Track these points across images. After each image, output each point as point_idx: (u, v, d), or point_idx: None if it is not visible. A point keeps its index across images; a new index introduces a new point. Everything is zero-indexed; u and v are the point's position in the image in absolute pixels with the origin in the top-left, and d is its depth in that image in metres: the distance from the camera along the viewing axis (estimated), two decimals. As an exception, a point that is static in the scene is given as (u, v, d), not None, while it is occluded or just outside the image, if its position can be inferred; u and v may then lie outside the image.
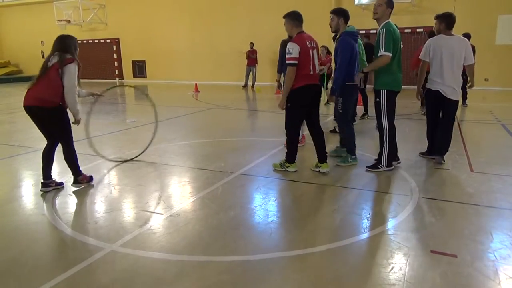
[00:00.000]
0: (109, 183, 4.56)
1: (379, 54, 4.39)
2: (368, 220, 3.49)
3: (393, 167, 4.78)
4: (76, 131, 4.30)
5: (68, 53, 4.03)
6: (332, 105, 5.24)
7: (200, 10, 18.21)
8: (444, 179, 4.60)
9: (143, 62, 20.73)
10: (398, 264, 2.71)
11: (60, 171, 4.81)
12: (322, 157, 4.74)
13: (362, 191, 4.18)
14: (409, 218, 3.44)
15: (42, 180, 4.21)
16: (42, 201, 3.97)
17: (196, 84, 15.12)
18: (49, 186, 4.20)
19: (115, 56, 20.53)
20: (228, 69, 17.89)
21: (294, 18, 4.55)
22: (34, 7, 22.17)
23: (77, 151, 4.29)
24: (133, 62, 20.94)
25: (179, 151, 5.96)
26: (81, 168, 4.35)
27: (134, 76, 21.04)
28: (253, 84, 15.92)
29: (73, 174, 4.30)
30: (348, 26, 4.92)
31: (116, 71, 20.66)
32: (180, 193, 4.21)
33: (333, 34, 5.16)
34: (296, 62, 4.37)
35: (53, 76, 3.96)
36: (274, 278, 2.60)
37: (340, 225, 3.36)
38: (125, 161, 5.25)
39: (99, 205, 3.91)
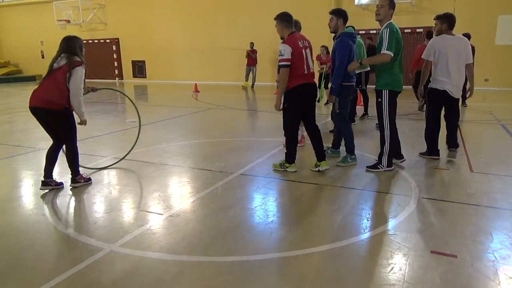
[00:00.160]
0: (109, 183, 4.56)
1: (381, 52, 4.39)
2: (368, 220, 3.49)
3: (393, 167, 4.78)
4: (77, 131, 4.29)
5: (75, 55, 4.03)
6: (331, 105, 5.25)
7: (200, 10, 18.21)
8: (444, 179, 4.60)
9: (143, 62, 20.72)
10: (398, 264, 2.71)
11: (60, 171, 4.80)
12: (320, 156, 4.75)
13: (362, 191, 4.18)
14: (409, 219, 3.44)
15: (42, 179, 4.20)
16: (42, 201, 3.96)
17: (196, 84, 15.12)
18: (49, 185, 4.20)
19: (114, 56, 20.54)
20: (228, 69, 17.89)
21: (283, 19, 4.56)
22: (34, 7, 22.17)
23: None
24: (133, 62, 20.93)
25: (179, 151, 5.96)
26: (80, 168, 4.35)
27: (134, 76, 21.04)
28: (253, 84, 15.93)
29: (72, 173, 4.30)
30: (347, 27, 4.94)
31: (116, 71, 20.67)
32: (180, 193, 4.20)
33: (333, 34, 5.17)
34: (289, 63, 4.39)
35: (60, 78, 3.96)
36: (274, 278, 2.60)
37: (340, 225, 3.36)
38: (102, 168, 5.04)
39: (99, 205, 3.90)
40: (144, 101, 13.22)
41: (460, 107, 5.52)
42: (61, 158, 4.35)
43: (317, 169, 4.73)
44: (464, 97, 9.09)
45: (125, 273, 2.66)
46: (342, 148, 5.33)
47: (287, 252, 2.91)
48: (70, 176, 4.32)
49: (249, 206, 3.84)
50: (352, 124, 7.28)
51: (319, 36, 11.08)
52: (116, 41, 20.75)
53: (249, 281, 2.56)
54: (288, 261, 2.80)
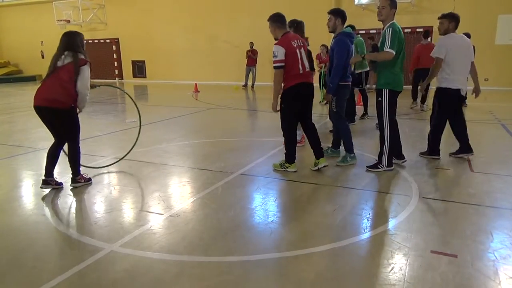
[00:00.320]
0: (109, 183, 4.56)
1: (384, 50, 4.40)
2: (368, 220, 3.48)
3: (393, 167, 4.78)
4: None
5: (78, 52, 3.98)
6: (329, 105, 5.26)
7: (200, 10, 18.21)
8: (445, 179, 4.60)
9: (143, 62, 20.72)
10: (398, 264, 2.71)
11: (60, 171, 4.80)
12: (318, 153, 4.76)
13: (362, 191, 4.18)
14: (409, 218, 3.44)
15: (43, 177, 4.19)
16: (42, 201, 3.96)
17: (196, 84, 15.12)
18: (49, 184, 4.18)
19: (114, 56, 20.54)
20: (228, 69, 17.89)
21: (276, 20, 4.57)
22: (34, 7, 22.17)
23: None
24: (133, 62, 20.93)
25: (179, 151, 5.96)
26: (81, 168, 4.35)
27: (134, 76, 21.04)
28: (252, 84, 15.93)
29: (72, 173, 4.29)
30: (346, 27, 4.96)
31: (116, 71, 20.68)
32: (180, 193, 4.20)
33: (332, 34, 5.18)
34: (282, 64, 4.41)
35: (65, 77, 3.92)
36: (274, 278, 2.60)
37: (340, 225, 3.35)
38: (105, 166, 5.07)
39: (99, 205, 3.90)
40: (144, 101, 13.22)
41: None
42: (62, 157, 4.34)
43: (316, 167, 4.74)
44: (464, 97, 9.12)
45: (126, 273, 2.66)
46: (342, 147, 5.32)
47: (287, 252, 2.90)
48: (71, 176, 4.32)
49: (249, 206, 3.84)
50: (352, 124, 7.34)
51: (319, 35, 11.05)
52: (116, 41, 20.75)
53: (249, 281, 2.56)
54: (288, 261, 2.80)
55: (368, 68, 7.95)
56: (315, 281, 2.54)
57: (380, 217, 3.54)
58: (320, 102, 10.43)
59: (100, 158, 5.33)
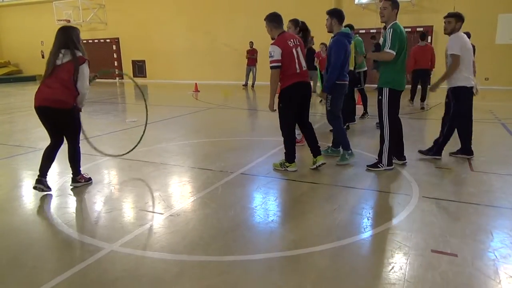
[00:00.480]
0: (109, 183, 4.56)
1: (384, 50, 4.42)
2: (368, 219, 3.48)
3: (393, 166, 4.78)
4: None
5: (76, 49, 3.92)
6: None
7: (200, 9, 18.20)
8: (445, 178, 4.60)
9: (143, 61, 20.74)
10: (398, 263, 2.71)
11: (60, 171, 4.81)
12: (315, 151, 4.77)
13: (363, 190, 4.18)
14: (409, 218, 3.44)
15: (37, 177, 4.07)
16: (43, 201, 3.96)
17: (196, 83, 15.12)
18: (43, 184, 4.06)
19: (115, 55, 20.56)
20: (228, 68, 17.89)
21: (272, 19, 4.58)
22: (34, 7, 22.17)
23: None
24: (133, 62, 20.94)
25: (179, 151, 5.96)
26: (81, 168, 4.35)
27: (134, 75, 21.02)
28: (253, 84, 15.93)
29: (73, 173, 4.29)
30: (345, 26, 4.99)
31: (116, 71, 20.67)
32: (180, 192, 4.20)
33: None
34: (279, 64, 4.43)
35: (65, 76, 3.86)
36: (274, 278, 2.60)
37: (340, 224, 3.35)
38: (119, 155, 5.17)
39: (99, 205, 3.90)
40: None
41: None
42: (63, 158, 4.34)
43: (314, 166, 4.74)
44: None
45: (126, 272, 2.66)
46: (342, 147, 5.32)
47: (288, 252, 2.90)
48: (71, 175, 4.32)
49: (249, 205, 3.84)
50: (352, 123, 7.34)
51: (319, 35, 11.05)
52: (116, 41, 20.76)
53: (249, 281, 2.56)
54: (289, 261, 2.80)
55: (366, 68, 7.97)
56: (316, 281, 2.54)
57: (380, 217, 3.54)
58: (320, 101, 10.44)
59: (100, 158, 5.33)
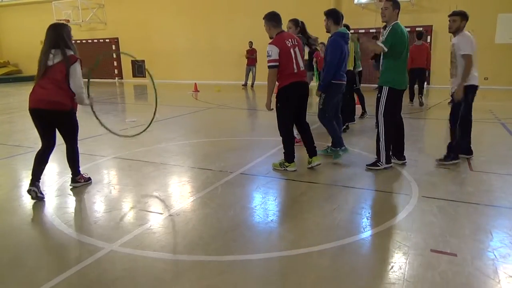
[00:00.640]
0: (109, 182, 4.56)
1: (377, 42, 4.47)
2: (368, 219, 3.49)
3: (392, 164, 4.79)
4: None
5: (67, 47, 3.85)
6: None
7: (200, 9, 18.19)
8: (444, 178, 4.60)
9: (143, 61, 20.70)
10: (398, 263, 2.71)
11: (60, 171, 4.81)
12: (311, 152, 4.78)
13: (362, 190, 4.18)
14: (409, 217, 3.44)
15: (31, 180, 3.94)
16: (42, 201, 3.95)
17: (195, 83, 15.11)
18: (37, 187, 3.93)
19: (114, 55, 20.50)
20: (228, 68, 17.88)
21: (270, 18, 4.59)
22: (33, 6, 22.13)
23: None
24: (133, 62, 20.90)
25: (178, 151, 5.96)
26: (80, 168, 4.35)
27: (134, 75, 21.02)
28: (252, 84, 15.94)
29: (72, 173, 4.29)
30: (341, 27, 5.01)
31: (116, 71, 20.66)
32: (180, 192, 4.20)
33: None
34: (276, 63, 4.43)
35: (59, 77, 3.81)
36: (274, 278, 2.60)
37: (340, 224, 3.36)
38: (132, 136, 5.02)
39: (98, 205, 3.90)
40: (144, 101, 13.20)
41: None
42: (63, 158, 4.34)
43: (310, 165, 4.75)
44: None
45: (125, 272, 2.66)
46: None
47: (287, 251, 2.91)
48: (71, 175, 4.32)
49: (249, 205, 3.84)
50: (352, 123, 7.34)
51: (318, 35, 11.08)
52: (115, 41, 20.73)
53: (249, 281, 2.56)
54: (288, 260, 2.80)
55: (361, 68, 8.02)
56: (315, 280, 2.54)
57: (380, 216, 3.54)
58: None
59: (100, 158, 5.33)
